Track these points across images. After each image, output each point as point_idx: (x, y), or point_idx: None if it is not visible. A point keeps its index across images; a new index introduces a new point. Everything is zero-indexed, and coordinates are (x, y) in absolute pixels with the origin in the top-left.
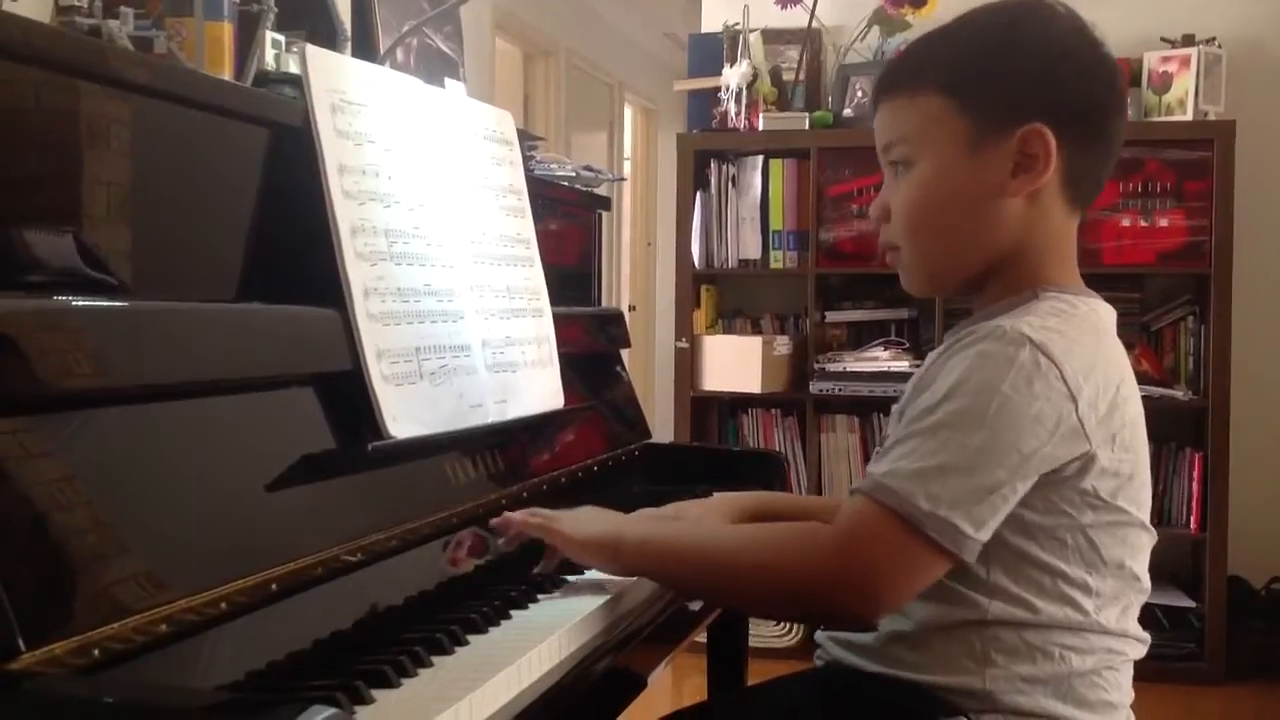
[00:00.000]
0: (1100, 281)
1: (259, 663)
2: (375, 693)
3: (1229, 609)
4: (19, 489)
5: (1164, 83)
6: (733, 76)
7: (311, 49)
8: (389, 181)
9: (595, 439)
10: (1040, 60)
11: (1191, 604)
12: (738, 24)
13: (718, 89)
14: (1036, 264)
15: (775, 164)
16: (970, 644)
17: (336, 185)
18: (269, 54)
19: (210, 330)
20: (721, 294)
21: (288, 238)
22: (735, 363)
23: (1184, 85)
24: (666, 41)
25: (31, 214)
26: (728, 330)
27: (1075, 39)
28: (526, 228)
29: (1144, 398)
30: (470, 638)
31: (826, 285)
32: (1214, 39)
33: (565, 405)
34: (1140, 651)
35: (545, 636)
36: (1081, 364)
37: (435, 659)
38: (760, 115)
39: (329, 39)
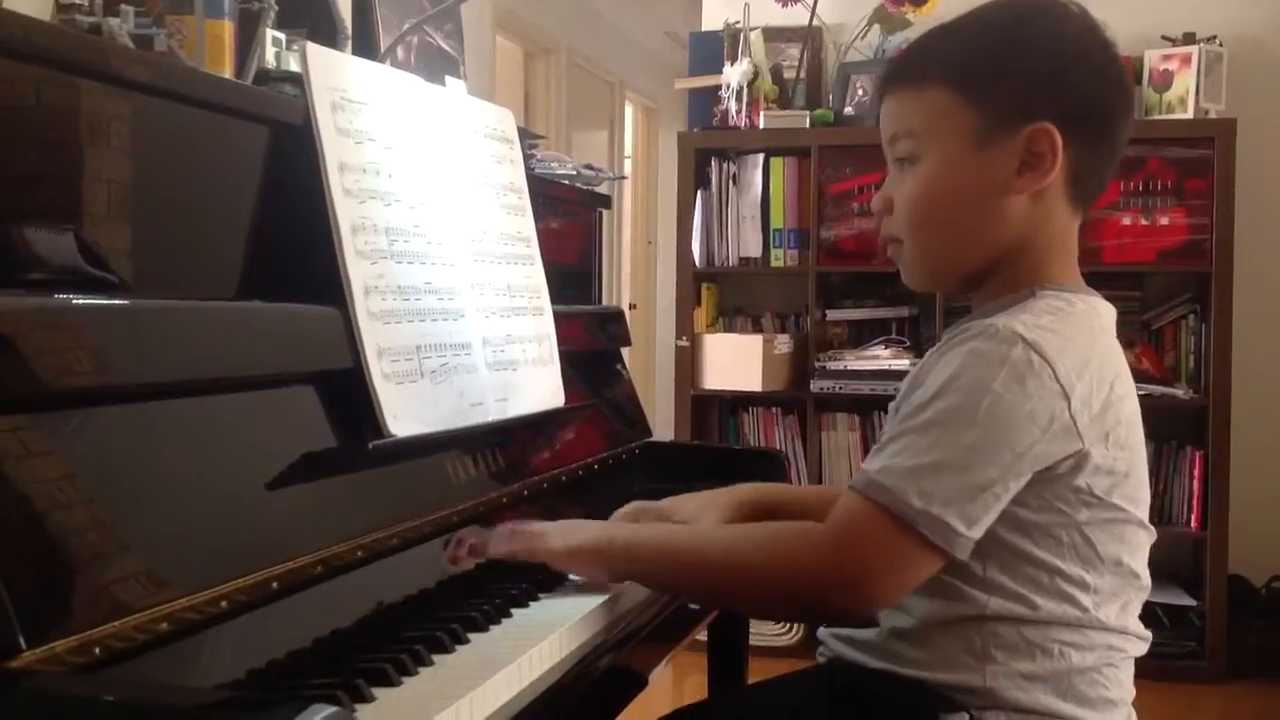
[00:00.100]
0: (1101, 280)
1: (260, 661)
2: (376, 691)
3: (1229, 607)
4: (20, 487)
5: (1165, 81)
6: (733, 75)
7: (312, 47)
8: (389, 179)
9: (596, 437)
10: (1052, 59)
11: (1192, 602)
12: (738, 22)
13: (718, 87)
14: (1037, 262)
15: (776, 162)
16: (970, 640)
17: (337, 183)
18: (269, 52)
19: (211, 328)
20: (722, 292)
21: (288, 236)
22: (736, 361)
23: (1185, 83)
24: (667, 40)
25: (32, 212)
26: (728, 329)
27: (1088, 39)
28: (527, 226)
29: (1145, 396)
30: (471, 636)
31: (827, 283)
32: (1215, 37)
33: (566, 404)
34: (1141, 649)
35: (546, 635)
36: (1074, 362)
37: (436, 657)
38: (761, 113)
39: (329, 37)
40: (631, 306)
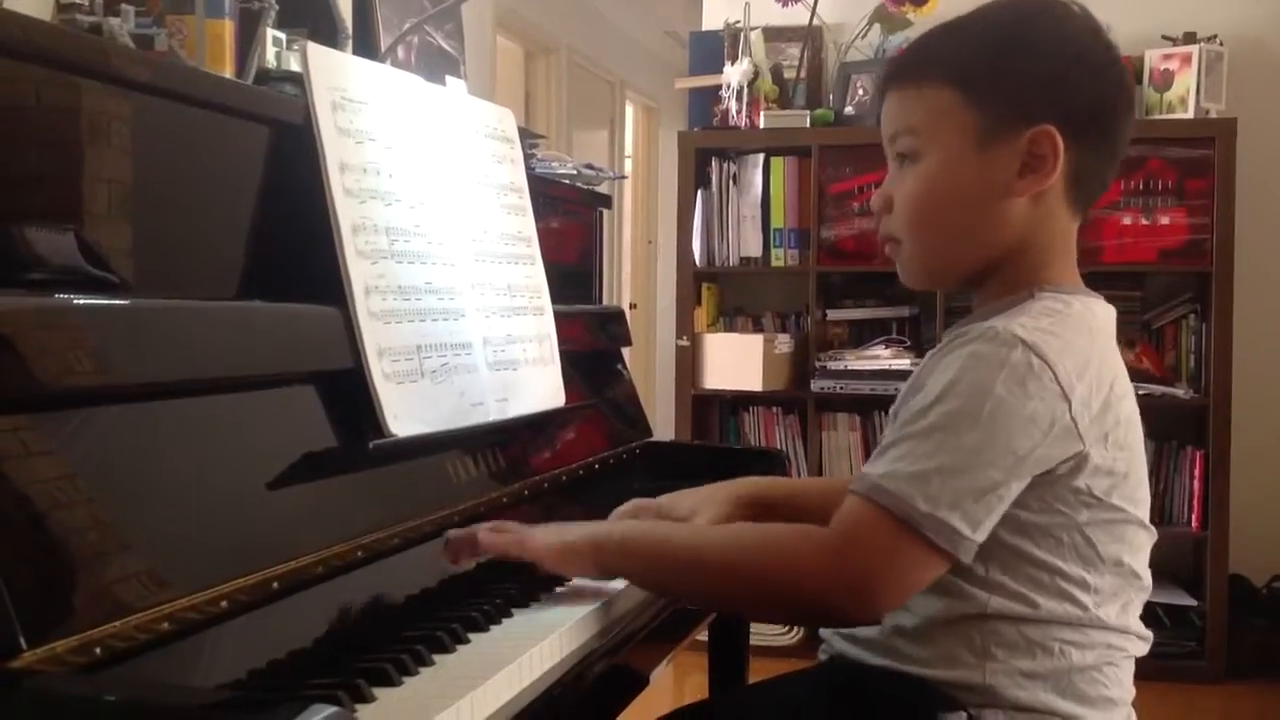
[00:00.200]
0: (1101, 280)
1: (260, 661)
2: (376, 691)
3: (1230, 607)
4: (20, 487)
5: (1165, 80)
6: (734, 74)
7: (312, 47)
8: (390, 179)
9: (596, 437)
10: (1054, 61)
11: (1192, 602)
12: (739, 22)
13: (719, 87)
14: (1037, 263)
15: (776, 162)
16: (970, 638)
17: (337, 183)
18: (270, 52)
19: (211, 328)
20: (722, 292)
21: (289, 236)
22: (736, 361)
23: (1185, 83)
24: (667, 39)
25: (33, 212)
26: (729, 328)
27: (1089, 40)
28: (528, 226)
29: (1145, 396)
30: (471, 636)
31: (828, 283)
32: (1215, 37)
33: (566, 403)
34: (1142, 649)
35: (546, 634)
36: (1074, 364)
37: (436, 657)
38: (761, 113)
39: (330, 37)
40: (632, 306)
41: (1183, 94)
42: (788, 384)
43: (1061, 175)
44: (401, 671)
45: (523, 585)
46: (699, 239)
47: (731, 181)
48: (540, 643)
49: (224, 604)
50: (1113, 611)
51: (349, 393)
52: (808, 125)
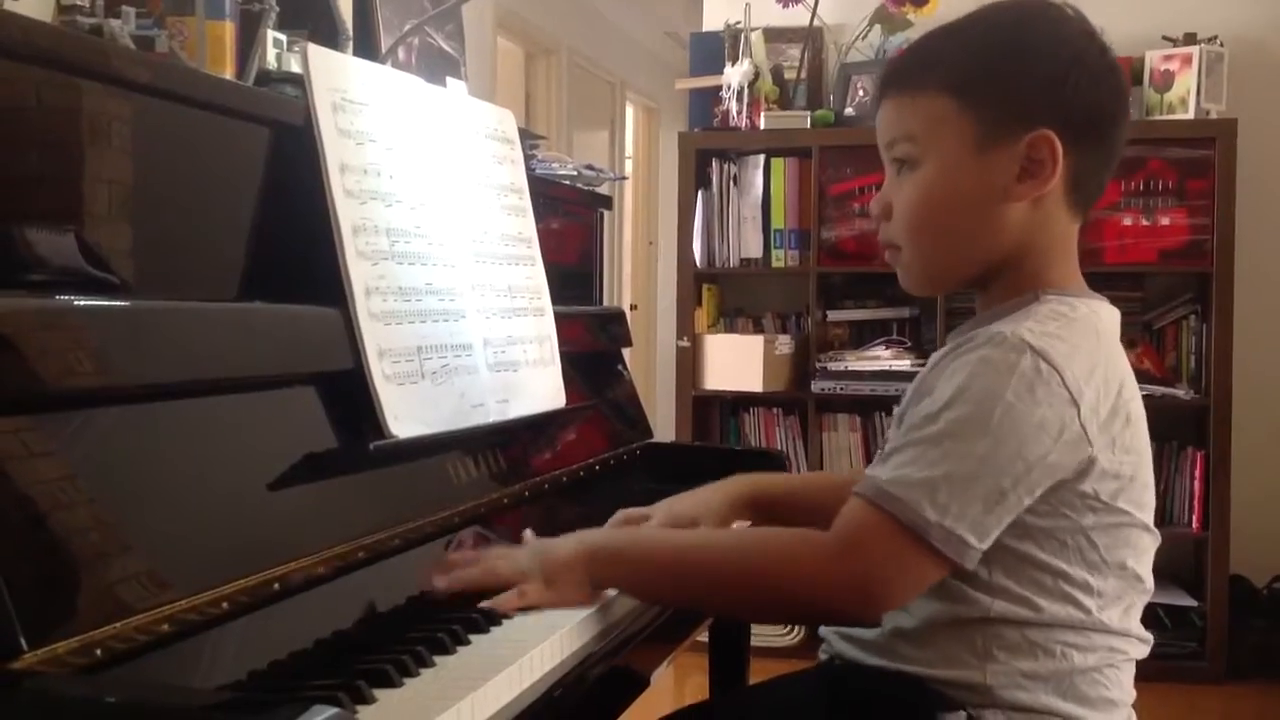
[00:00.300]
0: (1102, 280)
1: (261, 662)
2: (377, 692)
3: (1230, 608)
4: (21, 488)
5: (1165, 81)
6: (734, 75)
7: (313, 48)
8: (390, 180)
9: (597, 438)
10: (1051, 65)
11: (1193, 603)
12: (739, 22)
13: (719, 88)
14: (1038, 266)
15: (777, 163)
16: (972, 640)
17: (338, 184)
18: (270, 53)
19: (212, 329)
20: (723, 293)
21: (289, 237)
22: (737, 362)
23: (1186, 84)
24: (668, 40)
25: (33, 213)
26: (729, 329)
27: (1085, 43)
28: (528, 227)
29: (1146, 396)
30: (472, 637)
31: (828, 284)
32: (1215, 37)
33: (567, 404)
34: (1143, 651)
35: (547, 635)
36: (1082, 368)
37: (437, 658)
38: (762, 114)
39: (330, 38)
40: (632, 307)
41: (1183, 95)
42: (788, 385)
43: (1060, 178)
44: (402, 673)
45: None
46: (699, 240)
47: (732, 182)
48: (541, 644)
49: (225, 605)
50: (1115, 614)
51: (349, 394)
52: (808, 126)
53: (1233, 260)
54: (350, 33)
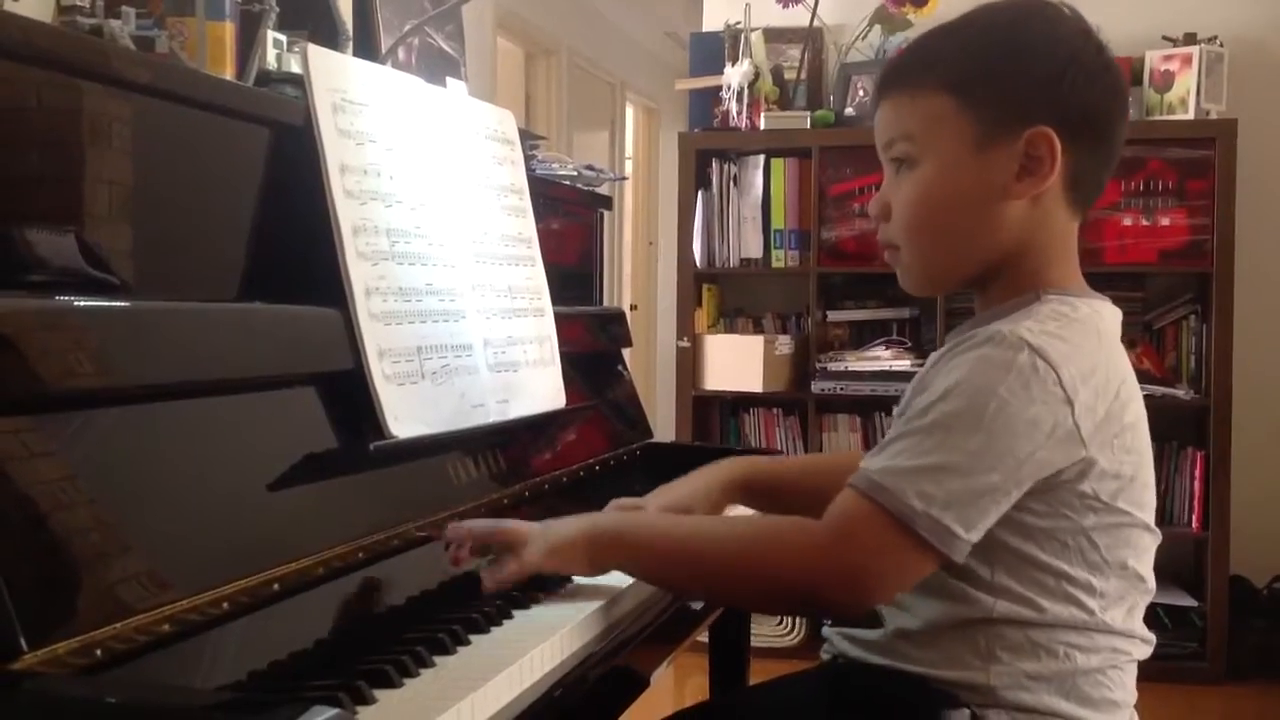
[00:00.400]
0: (1102, 280)
1: (261, 662)
2: (377, 692)
3: (1231, 608)
4: (21, 489)
5: (1166, 81)
6: (734, 75)
7: (313, 48)
8: (390, 181)
9: (597, 438)
10: (1047, 63)
11: (1193, 603)
12: (739, 23)
13: (719, 88)
14: (1039, 265)
15: (777, 163)
16: (975, 641)
17: (338, 185)
18: (270, 53)
19: (212, 330)
20: (723, 293)
21: (289, 237)
22: (737, 362)
23: (1186, 84)
24: (668, 40)
25: (33, 214)
26: (729, 329)
27: (1082, 41)
28: (528, 227)
29: (1146, 397)
30: (472, 637)
31: (828, 284)
32: (1215, 38)
33: (567, 405)
34: (1145, 652)
35: (547, 636)
36: (1080, 368)
37: (437, 658)
38: (762, 114)
39: (330, 38)
40: (632, 307)
41: (1183, 95)
42: (788, 385)
43: (1059, 176)
44: (402, 673)
45: (523, 586)
46: (699, 240)
47: (732, 183)
48: (541, 644)
49: (225, 605)
50: (1118, 615)
51: (350, 394)
52: (808, 126)
53: (1233, 260)
54: (350, 33)
